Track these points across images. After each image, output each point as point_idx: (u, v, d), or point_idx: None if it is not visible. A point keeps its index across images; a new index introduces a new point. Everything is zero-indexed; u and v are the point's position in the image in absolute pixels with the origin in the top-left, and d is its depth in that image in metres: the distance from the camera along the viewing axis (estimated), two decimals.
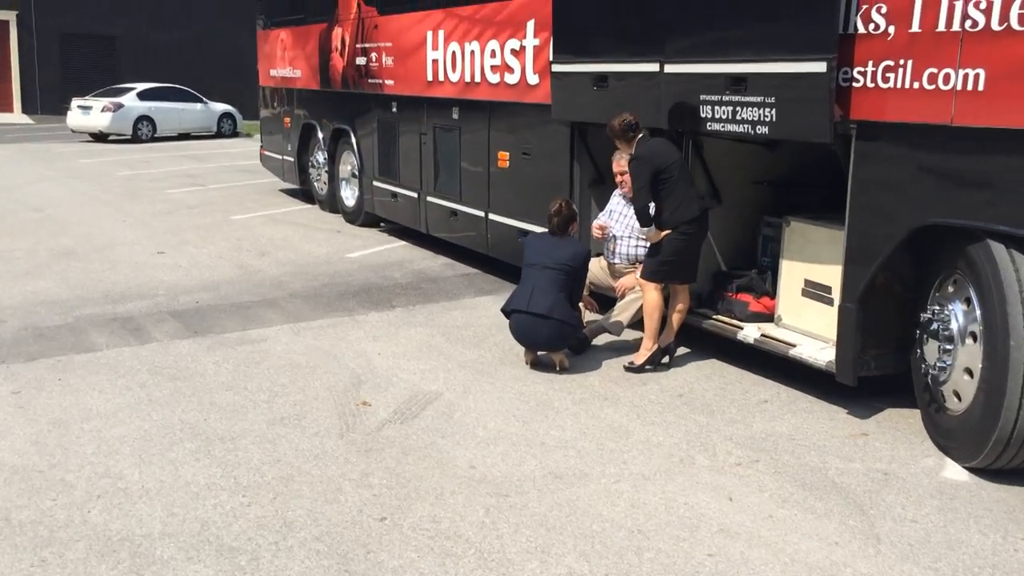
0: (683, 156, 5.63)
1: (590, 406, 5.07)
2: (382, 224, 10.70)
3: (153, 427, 4.69)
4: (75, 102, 23.09)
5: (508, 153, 7.66)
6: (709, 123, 5.25)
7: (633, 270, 6.10)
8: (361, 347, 6.15)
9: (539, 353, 5.74)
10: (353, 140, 10.62)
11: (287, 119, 12.64)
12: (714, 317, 5.77)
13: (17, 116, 29.84)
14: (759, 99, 4.88)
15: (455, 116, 8.39)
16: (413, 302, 7.42)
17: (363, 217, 10.78)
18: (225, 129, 25.10)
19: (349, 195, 11.17)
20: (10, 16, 29.82)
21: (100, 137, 22.86)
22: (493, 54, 7.62)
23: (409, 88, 9.14)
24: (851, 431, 4.71)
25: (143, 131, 22.92)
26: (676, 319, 5.68)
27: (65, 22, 30.23)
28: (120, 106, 22.60)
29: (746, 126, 5.00)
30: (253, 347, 6.10)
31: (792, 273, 5.42)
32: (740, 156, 5.88)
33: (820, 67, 4.48)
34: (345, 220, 11.18)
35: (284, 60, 12.43)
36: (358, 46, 10.13)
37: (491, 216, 7.97)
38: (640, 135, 5.53)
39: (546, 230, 5.90)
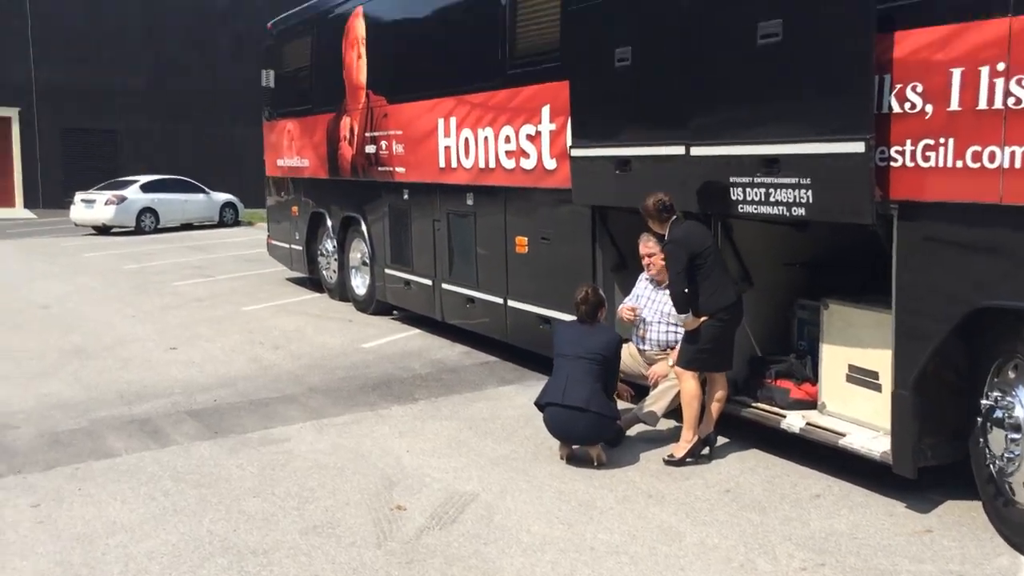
0: (715, 239, 5.55)
1: (635, 504, 4.86)
2: (394, 312, 10.57)
3: (181, 540, 4.46)
4: (78, 196, 23.21)
5: (526, 238, 7.58)
6: (741, 205, 5.17)
7: (665, 356, 5.95)
8: (388, 444, 5.94)
9: (575, 447, 5.54)
10: (363, 228, 10.57)
11: (295, 208, 12.63)
12: (754, 405, 5.59)
13: (19, 211, 29.97)
14: (794, 180, 4.80)
15: (469, 202, 8.35)
16: (436, 394, 7.24)
17: (375, 305, 10.66)
18: (227, 218, 25.20)
19: (360, 283, 11.07)
20: (12, 112, 30.21)
21: (103, 230, 22.90)
22: (508, 140, 7.61)
23: (421, 175, 9.12)
24: (914, 528, 4.49)
25: (146, 223, 22.99)
26: (715, 408, 5.50)
27: (66, 117, 30.60)
28: (123, 199, 22.71)
29: (781, 208, 4.91)
30: (277, 448, 5.89)
31: (834, 358, 5.27)
32: (770, 237, 5.79)
33: (858, 147, 4.41)
34: (356, 308, 11.06)
35: (291, 150, 12.49)
36: (367, 134, 10.16)
37: (510, 302, 7.85)
38: (674, 217, 5.44)
39: (574, 318, 5.77)
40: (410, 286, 9.61)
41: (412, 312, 9.92)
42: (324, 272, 11.99)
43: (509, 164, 7.64)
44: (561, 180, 6.95)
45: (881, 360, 4.92)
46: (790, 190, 4.83)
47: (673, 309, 5.86)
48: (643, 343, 6.09)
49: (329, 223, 11.51)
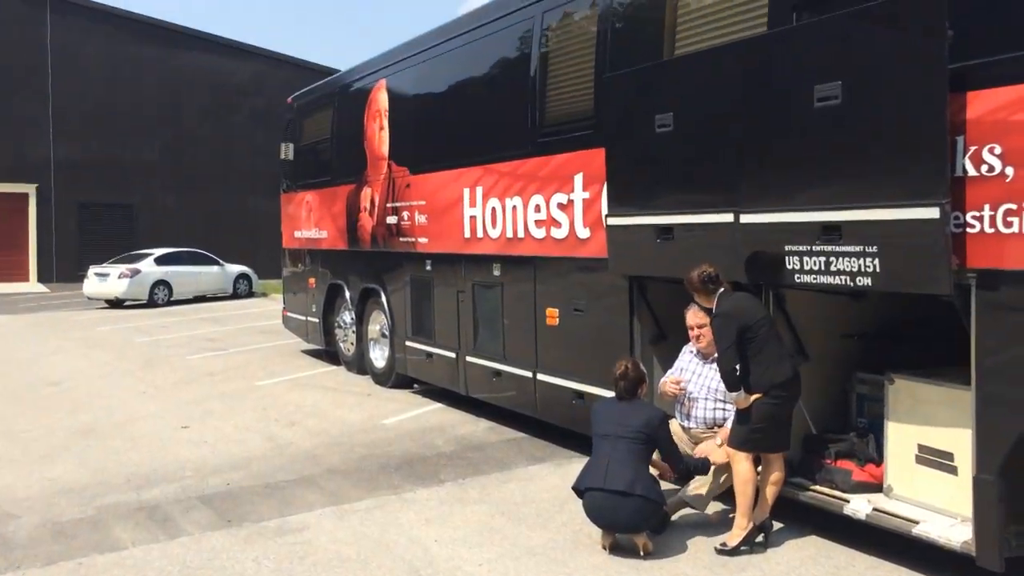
0: (767, 310, 5.21)
1: None
2: (415, 385, 10.19)
3: None
4: (92, 269, 23.09)
5: (557, 310, 7.25)
6: (797, 275, 4.83)
7: (711, 435, 5.54)
8: (415, 533, 5.51)
9: (618, 536, 5.10)
10: (383, 299, 10.28)
11: (312, 279, 12.38)
12: (812, 488, 5.16)
13: (32, 285, 29.92)
14: (858, 248, 4.46)
15: (496, 272, 8.05)
16: (462, 474, 6.81)
17: (394, 378, 10.30)
18: (241, 290, 25.02)
19: (379, 356, 10.73)
20: (30, 188, 30.40)
21: (116, 303, 22.71)
22: (538, 208, 7.34)
23: (445, 245, 8.86)
24: None
25: (159, 295, 22.80)
26: (771, 492, 5.08)
27: (83, 191, 30.75)
28: (137, 272, 22.57)
29: (843, 278, 4.57)
30: (295, 538, 5.47)
31: (902, 437, 4.86)
32: (826, 307, 5.43)
33: (932, 213, 4.09)
34: (375, 382, 10.69)
35: (310, 221, 12.29)
36: (389, 205, 9.94)
37: (540, 376, 7.48)
38: (721, 289, 5.11)
39: (612, 395, 5.40)
40: (432, 359, 9.25)
41: (434, 386, 9.54)
42: (341, 344, 11.67)
43: (539, 233, 7.35)
44: (595, 249, 6.65)
45: (956, 440, 4.52)
46: (854, 259, 4.49)
47: (721, 384, 5.51)
48: (688, 420, 5.69)
49: (348, 294, 11.23)
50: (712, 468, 5.38)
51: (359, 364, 11.19)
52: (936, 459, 4.67)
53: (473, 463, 7.13)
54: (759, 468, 5.10)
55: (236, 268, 25.29)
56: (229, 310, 21.30)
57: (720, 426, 5.55)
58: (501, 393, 8.12)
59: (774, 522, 5.21)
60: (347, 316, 11.34)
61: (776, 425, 4.98)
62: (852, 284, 4.54)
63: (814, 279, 4.74)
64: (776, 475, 5.08)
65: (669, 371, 5.95)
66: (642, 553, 4.99)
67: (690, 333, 5.76)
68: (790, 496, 5.20)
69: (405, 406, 9.39)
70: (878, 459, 5.05)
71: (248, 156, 32.64)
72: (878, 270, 4.39)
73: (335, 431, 8.33)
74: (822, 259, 4.67)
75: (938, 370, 4.82)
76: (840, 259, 4.56)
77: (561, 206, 7.04)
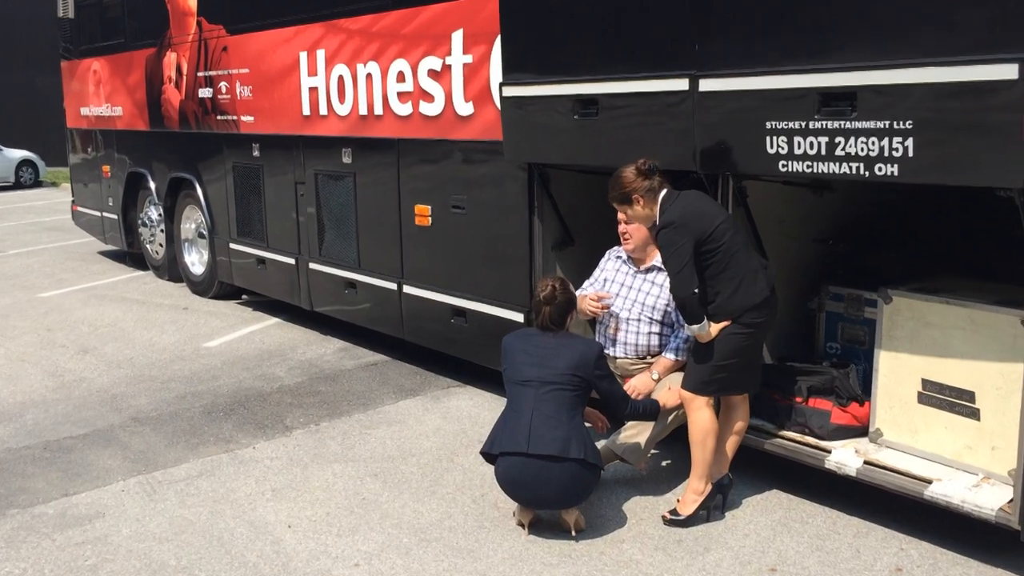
0: (727, 210, 3.97)
1: None
2: (244, 296, 8.48)
3: None
4: None
5: (429, 207, 5.76)
6: (783, 162, 3.59)
7: (644, 366, 4.35)
8: (258, 514, 4.05)
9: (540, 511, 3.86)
10: (199, 192, 8.39)
11: (106, 168, 10.15)
12: (780, 434, 4.08)
13: None
14: (881, 124, 3.25)
15: (347, 160, 6.41)
16: (315, 417, 5.35)
17: (217, 287, 8.53)
18: (25, 179, 21.71)
19: (196, 260, 8.89)
20: None
21: None
22: (401, 77, 5.74)
23: (277, 126, 7.08)
24: None
25: None
26: (732, 444, 3.97)
27: None
28: None
29: (855, 165, 3.36)
30: (83, 534, 3.88)
31: (899, 370, 3.82)
32: (791, 204, 4.28)
33: (1007, 72, 2.90)
34: (193, 292, 8.88)
35: (99, 96, 9.97)
36: (201, 75, 7.96)
37: (407, 289, 6.04)
38: (665, 190, 3.82)
39: (531, 328, 4.07)
40: (265, 265, 7.57)
41: (268, 297, 7.89)
42: (148, 246, 9.67)
43: (403, 109, 5.77)
44: (480, 130, 5.19)
45: (980, 376, 3.52)
46: (874, 139, 3.28)
47: (658, 301, 4.31)
48: (614, 347, 4.45)
49: (153, 186, 9.19)
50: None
51: (171, 270, 9.29)
52: (948, 398, 3.66)
53: (327, 400, 5.67)
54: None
55: (18, 153, 21.84)
56: (10, 202, 18.21)
57: (655, 355, 4.37)
58: (356, 307, 6.63)
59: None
60: (153, 212, 9.34)
61: (747, 360, 3.82)
62: (867, 174, 3.34)
63: (808, 167, 3.51)
64: (740, 423, 3.96)
65: (587, 282, 4.66)
66: (574, 531, 3.78)
67: (620, 231, 4.47)
68: (751, 445, 4.11)
69: (233, 322, 7.71)
70: (862, 397, 4.01)
71: (33, 25, 28.03)
72: (911, 154, 3.20)
73: (142, 360, 6.59)
74: (824, 139, 3.43)
75: (942, 284, 3.79)
76: (853, 140, 3.34)
77: (434, 74, 5.47)
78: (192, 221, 8.81)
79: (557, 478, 3.64)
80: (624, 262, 4.53)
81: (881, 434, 3.91)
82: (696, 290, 3.64)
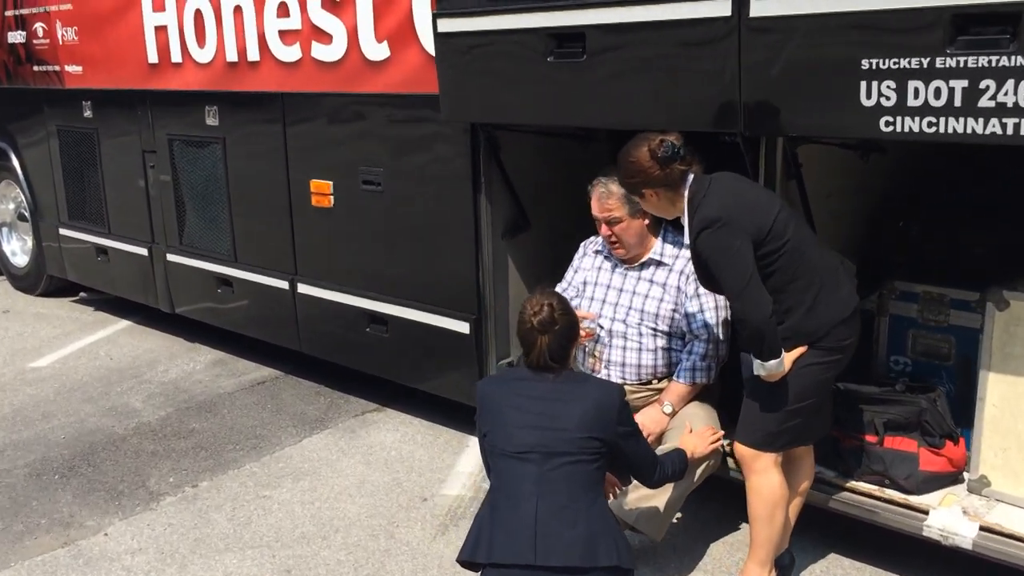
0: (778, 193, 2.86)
1: None
2: (82, 293, 6.83)
3: None
4: None
5: (331, 183, 4.40)
6: (886, 118, 2.48)
7: (649, 394, 3.24)
8: None
9: None
10: (15, 164, 6.68)
11: None
12: (849, 486, 3.04)
13: None
14: None
15: (212, 120, 4.94)
16: (190, 474, 3.96)
17: (46, 283, 6.86)
18: None
19: (17, 249, 7.17)
20: None
21: None
22: (284, 10, 4.32)
23: (114, 77, 5.49)
24: None
25: None
26: (795, 508, 2.91)
27: None
28: None
29: (1004, 123, 2.29)
30: None
31: (1016, 398, 2.83)
32: (833, 173, 3.21)
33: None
34: (15, 288, 7.15)
35: None
36: (9, 13, 6.21)
37: (302, 288, 4.67)
38: (692, 175, 2.65)
39: (518, 367, 2.83)
40: (108, 257, 5.99)
41: (112, 295, 6.31)
42: None
43: (288, 54, 4.35)
44: (401, 80, 3.87)
45: None
46: None
47: (660, 308, 3.20)
48: (606, 369, 3.30)
49: None
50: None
51: None
52: None
53: (205, 443, 4.27)
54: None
55: None
56: None
57: (663, 378, 3.26)
58: (233, 311, 5.20)
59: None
60: None
61: (824, 398, 2.74)
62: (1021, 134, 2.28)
63: (931, 126, 2.41)
64: (806, 482, 2.91)
65: (559, 286, 3.46)
66: None
67: (601, 232, 3.30)
68: (809, 500, 3.05)
69: (69, 329, 6.10)
70: (956, 432, 3.01)
71: None
72: None
73: None
74: (962, 84, 2.34)
75: None
76: (1012, 83, 2.26)
77: (330, 4, 4.09)
78: (9, 200, 7.06)
79: None
80: (606, 257, 3.37)
81: (987, 483, 2.93)
82: (771, 309, 2.51)
